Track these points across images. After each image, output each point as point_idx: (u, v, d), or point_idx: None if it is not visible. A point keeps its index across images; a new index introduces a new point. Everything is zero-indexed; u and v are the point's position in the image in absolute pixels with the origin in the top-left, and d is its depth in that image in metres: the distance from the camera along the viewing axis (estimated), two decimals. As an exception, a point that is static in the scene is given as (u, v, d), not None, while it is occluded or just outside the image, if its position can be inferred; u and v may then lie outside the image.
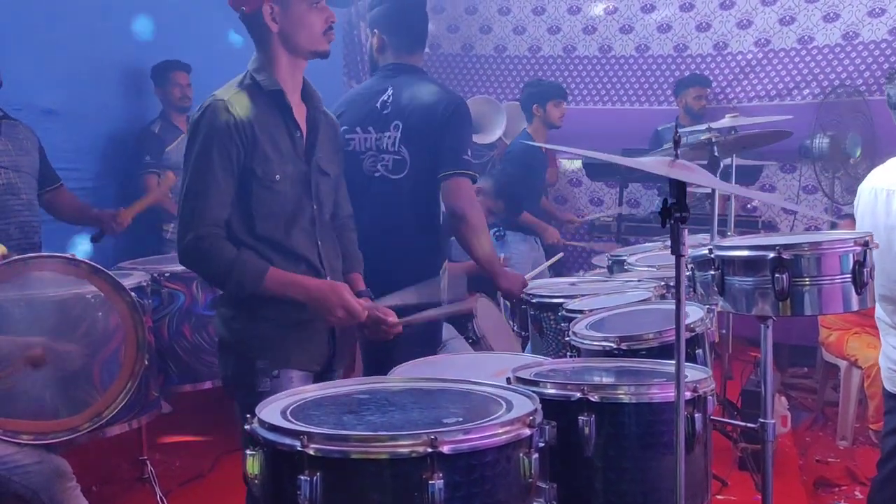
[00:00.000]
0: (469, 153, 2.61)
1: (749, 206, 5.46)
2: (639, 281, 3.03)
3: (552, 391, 1.67)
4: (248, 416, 1.44)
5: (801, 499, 3.43)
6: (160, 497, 3.12)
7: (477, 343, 2.92)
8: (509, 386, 1.66)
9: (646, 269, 3.38)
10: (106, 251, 3.70)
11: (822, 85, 5.42)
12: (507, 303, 3.36)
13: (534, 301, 2.87)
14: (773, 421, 2.16)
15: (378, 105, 2.68)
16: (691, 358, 2.06)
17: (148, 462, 3.21)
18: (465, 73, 6.48)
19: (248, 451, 1.39)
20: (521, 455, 1.37)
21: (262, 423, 1.40)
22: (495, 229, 4.84)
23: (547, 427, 1.44)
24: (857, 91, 5.21)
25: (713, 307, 2.23)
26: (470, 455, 1.30)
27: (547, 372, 1.89)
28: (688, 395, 1.64)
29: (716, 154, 3.22)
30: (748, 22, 5.65)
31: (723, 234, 3.51)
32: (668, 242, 1.52)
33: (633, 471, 1.66)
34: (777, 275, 1.97)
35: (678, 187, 1.48)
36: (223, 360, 2.10)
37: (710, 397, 1.73)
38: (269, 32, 2.03)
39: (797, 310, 2.01)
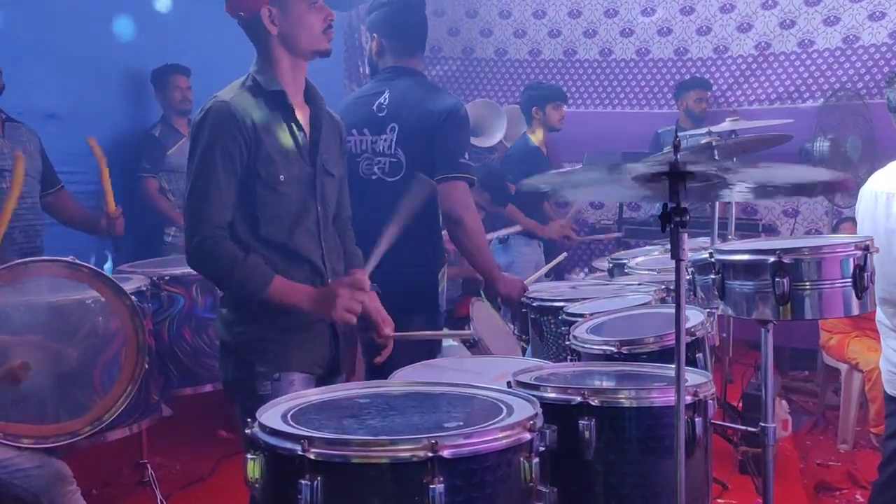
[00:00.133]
0: (467, 156, 2.59)
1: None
2: (639, 284, 3.03)
3: (553, 395, 1.67)
4: (249, 420, 1.44)
5: (801, 502, 3.42)
6: (161, 500, 3.12)
7: (474, 346, 2.92)
8: (510, 390, 1.66)
9: (646, 272, 3.38)
10: (106, 254, 3.71)
11: (822, 88, 5.42)
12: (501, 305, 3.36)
13: (534, 305, 2.87)
14: (773, 424, 2.16)
15: (374, 108, 2.68)
16: (692, 362, 2.06)
17: (148, 465, 3.21)
18: (465, 76, 6.49)
19: (248, 456, 1.39)
20: (521, 459, 1.37)
21: (262, 427, 1.40)
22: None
23: (547, 431, 1.44)
24: (857, 95, 5.21)
25: (714, 311, 2.23)
26: (470, 459, 1.30)
27: (547, 376, 1.89)
28: (688, 399, 1.64)
29: (716, 157, 3.23)
30: (748, 25, 5.66)
31: (723, 238, 3.51)
32: (669, 246, 1.52)
33: (633, 475, 1.66)
34: (777, 279, 1.97)
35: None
36: (224, 364, 2.10)
37: (710, 401, 1.73)
38: (268, 35, 2.03)
39: (798, 314, 2.01)
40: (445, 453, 1.27)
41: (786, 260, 1.98)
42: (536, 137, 4.85)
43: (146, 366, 2.55)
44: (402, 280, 2.25)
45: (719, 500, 3.23)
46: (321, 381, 2.08)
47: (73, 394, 2.37)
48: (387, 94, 2.67)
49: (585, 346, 2.18)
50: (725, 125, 3.53)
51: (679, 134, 1.55)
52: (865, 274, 2.01)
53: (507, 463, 1.35)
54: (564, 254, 4.44)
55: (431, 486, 1.26)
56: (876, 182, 2.55)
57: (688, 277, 2.20)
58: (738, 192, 1.71)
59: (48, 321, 2.33)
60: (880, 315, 2.54)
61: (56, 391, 2.31)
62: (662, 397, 1.65)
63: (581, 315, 2.50)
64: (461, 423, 1.42)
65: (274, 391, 1.93)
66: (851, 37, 5.35)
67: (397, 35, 2.74)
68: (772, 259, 1.99)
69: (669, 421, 1.58)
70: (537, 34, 6.26)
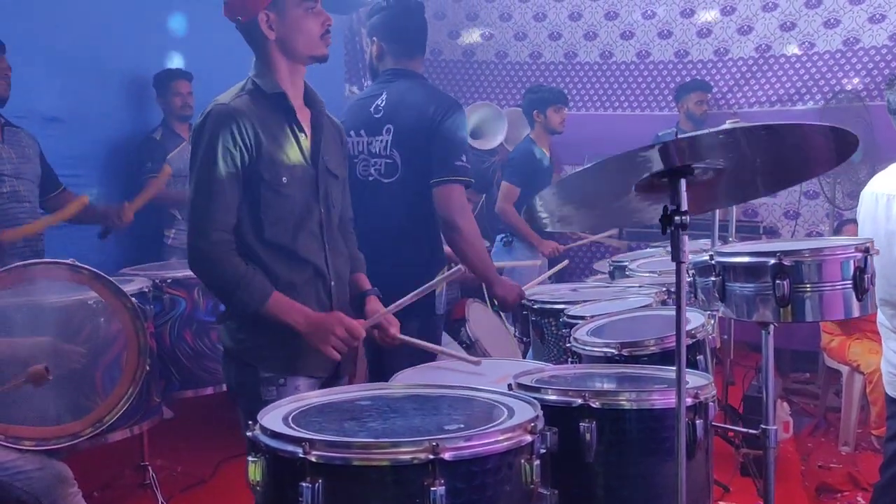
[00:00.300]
0: (463, 158, 2.57)
1: None
2: (640, 287, 3.03)
3: (553, 397, 1.67)
4: (250, 422, 1.44)
5: (803, 505, 3.42)
6: (162, 503, 3.12)
7: (471, 347, 2.93)
8: (511, 392, 1.66)
9: (647, 274, 3.39)
10: (107, 257, 3.71)
11: (822, 91, 5.43)
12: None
13: (535, 307, 2.88)
14: (774, 427, 2.15)
15: (372, 110, 2.68)
16: (692, 364, 2.06)
17: (150, 468, 3.22)
18: (466, 79, 6.49)
19: (250, 458, 1.39)
20: (522, 461, 1.37)
21: (263, 429, 1.40)
22: (503, 236, 4.83)
23: (548, 433, 1.44)
24: (857, 97, 5.22)
25: (714, 313, 2.23)
26: (471, 462, 1.30)
27: (548, 378, 1.89)
28: (689, 401, 1.64)
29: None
30: (749, 28, 5.67)
31: (724, 240, 3.51)
32: (669, 248, 1.52)
33: (634, 477, 1.66)
34: (778, 281, 1.97)
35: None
36: (228, 370, 2.11)
37: (711, 403, 1.73)
38: (266, 40, 2.03)
39: (798, 316, 2.01)
40: (446, 455, 1.27)
41: (786, 262, 1.98)
42: (539, 140, 4.85)
43: (147, 368, 2.55)
44: (401, 281, 2.25)
45: (721, 503, 3.23)
46: (325, 384, 2.09)
47: (75, 395, 2.37)
48: (384, 96, 2.67)
49: (586, 348, 2.18)
50: (726, 128, 3.52)
51: (680, 135, 1.55)
52: (866, 276, 2.01)
53: (508, 465, 1.35)
54: (566, 261, 4.44)
55: (432, 489, 1.26)
56: (876, 184, 2.55)
57: (688, 280, 2.21)
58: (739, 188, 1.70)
59: (52, 323, 2.34)
60: (881, 317, 2.54)
61: (58, 393, 2.31)
62: (663, 399, 1.65)
63: (582, 317, 2.50)
64: (462, 426, 1.42)
65: (279, 396, 1.92)
66: (852, 39, 5.35)
67: (397, 38, 2.74)
68: (772, 261, 1.99)
69: (670, 423, 1.58)
70: (538, 37, 6.26)
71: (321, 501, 1.29)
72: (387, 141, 2.62)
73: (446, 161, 2.54)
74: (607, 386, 1.88)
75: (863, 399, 4.08)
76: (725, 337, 3.75)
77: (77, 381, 2.38)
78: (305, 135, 2.09)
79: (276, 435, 1.37)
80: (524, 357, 3.09)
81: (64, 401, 2.33)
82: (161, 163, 4.15)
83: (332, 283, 2.11)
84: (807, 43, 5.49)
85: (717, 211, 3.41)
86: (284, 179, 2.01)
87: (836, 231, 4.95)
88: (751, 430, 2.25)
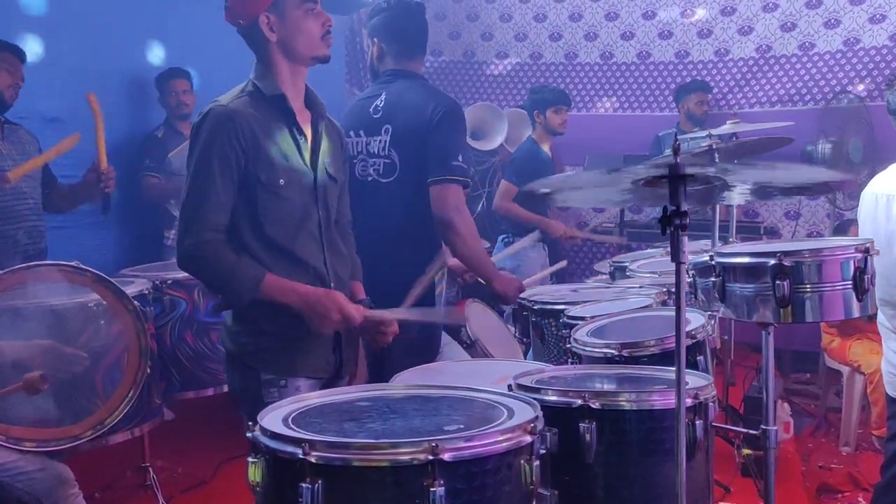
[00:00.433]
0: (461, 158, 2.56)
1: None
2: (640, 287, 3.03)
3: (553, 398, 1.67)
4: (251, 423, 1.45)
5: (803, 505, 3.42)
6: (162, 504, 3.13)
7: (471, 347, 2.92)
8: (510, 393, 1.66)
9: (647, 275, 3.38)
10: (108, 257, 3.72)
11: (823, 91, 5.43)
12: (505, 308, 3.35)
13: (535, 307, 2.88)
14: (775, 427, 2.15)
15: (371, 110, 2.68)
16: (692, 365, 2.06)
17: (150, 469, 3.22)
18: (466, 79, 6.50)
19: (250, 459, 1.40)
20: (522, 462, 1.37)
21: (263, 430, 1.40)
22: (504, 236, 4.83)
23: (548, 434, 1.44)
24: (857, 97, 5.22)
25: (714, 313, 2.24)
26: (471, 462, 1.30)
27: (548, 379, 1.89)
28: (689, 401, 1.64)
29: (716, 160, 3.23)
30: (749, 28, 5.67)
31: (724, 241, 3.51)
32: (669, 249, 1.52)
33: (634, 478, 1.66)
34: (778, 281, 1.97)
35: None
36: (230, 372, 2.11)
37: (711, 404, 1.73)
38: (267, 42, 2.03)
39: (798, 317, 2.01)
40: (446, 456, 1.27)
41: (786, 262, 1.98)
42: (541, 141, 4.85)
43: (148, 370, 2.55)
44: (400, 281, 2.25)
45: (721, 503, 3.23)
46: (325, 384, 2.09)
47: (76, 398, 2.37)
48: (383, 97, 2.68)
49: (586, 348, 2.18)
50: (726, 128, 3.53)
51: (679, 137, 1.56)
52: (866, 276, 2.01)
53: (508, 466, 1.35)
54: (564, 262, 4.44)
55: (432, 489, 1.26)
56: (877, 184, 2.55)
57: (688, 280, 2.21)
58: (738, 194, 1.71)
59: (54, 326, 2.34)
60: (881, 317, 2.54)
61: (59, 395, 2.31)
62: (663, 400, 1.65)
63: (582, 318, 2.50)
64: (462, 426, 1.42)
65: (281, 397, 1.92)
66: (852, 39, 5.35)
67: (397, 39, 2.74)
68: (772, 262, 1.99)
69: (670, 424, 1.58)
70: (538, 37, 6.26)
71: (321, 502, 1.29)
72: (385, 141, 2.62)
73: (443, 160, 2.54)
74: (607, 386, 1.88)
75: (863, 399, 4.07)
76: (726, 337, 3.75)
77: (78, 383, 2.38)
78: (305, 137, 2.09)
79: (275, 436, 1.37)
80: (524, 357, 3.09)
81: (65, 403, 2.33)
82: (161, 160, 4.17)
83: (332, 284, 2.11)
84: (807, 43, 5.49)
85: (718, 211, 3.42)
86: (282, 182, 2.01)
87: (842, 231, 4.94)
88: (751, 431, 2.26)
